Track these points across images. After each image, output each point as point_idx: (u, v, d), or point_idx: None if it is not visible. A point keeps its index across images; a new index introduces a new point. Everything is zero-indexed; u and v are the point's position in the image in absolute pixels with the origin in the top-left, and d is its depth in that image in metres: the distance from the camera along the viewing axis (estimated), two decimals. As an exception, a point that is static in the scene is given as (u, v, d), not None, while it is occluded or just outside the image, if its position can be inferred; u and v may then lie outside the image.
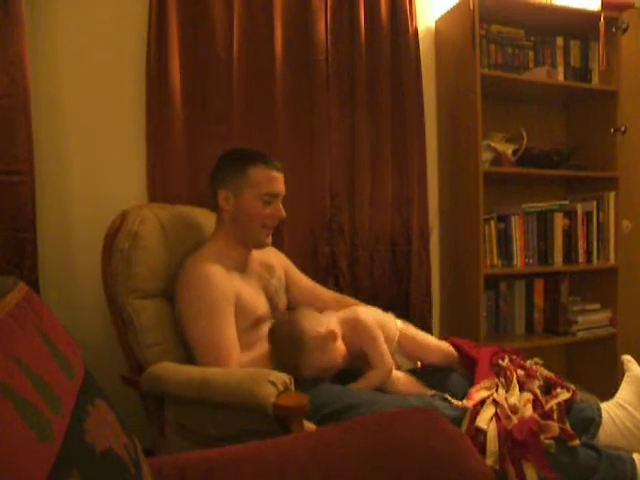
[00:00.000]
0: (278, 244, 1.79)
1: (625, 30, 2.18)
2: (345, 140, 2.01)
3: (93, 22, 1.73)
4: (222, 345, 1.30)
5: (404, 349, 1.47)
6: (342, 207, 2.00)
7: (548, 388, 1.34)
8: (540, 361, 1.46)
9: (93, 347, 1.52)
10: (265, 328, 1.43)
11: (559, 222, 2.20)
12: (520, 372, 1.35)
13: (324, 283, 1.86)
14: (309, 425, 1.13)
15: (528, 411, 1.19)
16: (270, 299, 1.52)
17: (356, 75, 2.00)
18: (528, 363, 1.43)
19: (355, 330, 1.40)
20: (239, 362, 1.31)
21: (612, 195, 2.25)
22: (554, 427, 1.13)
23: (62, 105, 1.70)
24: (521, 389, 1.29)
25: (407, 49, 2.07)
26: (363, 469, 0.83)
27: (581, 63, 2.36)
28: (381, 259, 2.06)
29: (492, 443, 1.11)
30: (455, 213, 2.19)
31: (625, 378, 1.37)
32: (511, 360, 1.41)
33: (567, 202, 2.27)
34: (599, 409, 1.29)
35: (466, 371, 1.46)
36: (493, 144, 2.14)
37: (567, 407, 1.26)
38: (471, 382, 1.36)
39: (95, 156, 1.75)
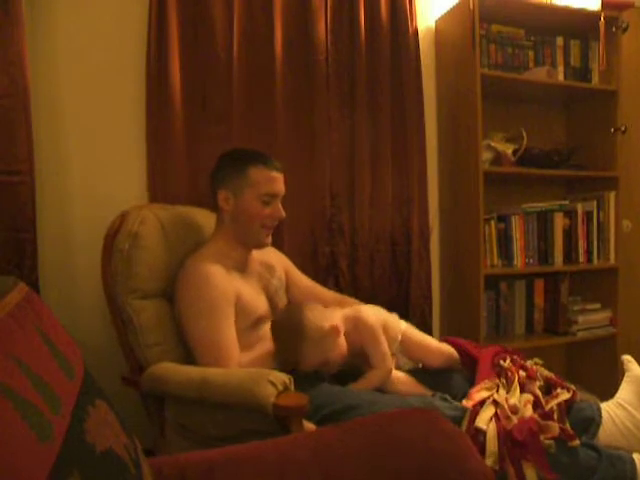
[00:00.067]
0: (278, 244, 1.79)
1: (625, 30, 2.18)
2: (345, 140, 2.01)
3: (93, 22, 1.73)
4: (222, 345, 1.30)
5: (405, 351, 1.47)
6: (342, 207, 2.00)
7: (548, 388, 1.34)
8: (540, 361, 1.46)
9: (93, 347, 1.52)
10: (265, 328, 1.43)
11: (559, 222, 2.20)
12: (522, 373, 1.35)
13: (324, 283, 1.86)
14: (309, 425, 1.13)
15: (528, 411, 1.19)
16: (270, 299, 1.52)
17: (356, 75, 2.00)
18: (528, 363, 1.43)
19: (357, 329, 1.40)
20: (239, 362, 1.31)
21: (612, 195, 2.25)
22: (554, 427, 1.13)
23: (62, 105, 1.71)
24: (522, 390, 1.29)
25: (407, 49, 2.07)
26: (363, 469, 0.83)
27: (581, 63, 2.36)
28: (381, 259, 2.06)
29: (492, 443, 1.11)
30: (455, 213, 2.19)
31: (625, 378, 1.37)
32: (512, 361, 1.41)
33: (567, 202, 2.27)
34: (599, 409, 1.29)
35: (468, 371, 1.46)
36: (493, 144, 2.14)
37: (567, 407, 1.26)
38: (472, 382, 1.36)
39: (95, 156, 1.75)
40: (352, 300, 1.69)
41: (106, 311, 1.40)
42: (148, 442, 1.26)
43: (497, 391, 1.27)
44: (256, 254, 1.53)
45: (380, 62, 2.04)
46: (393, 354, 1.44)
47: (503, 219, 2.18)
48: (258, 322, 1.42)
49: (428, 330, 2.06)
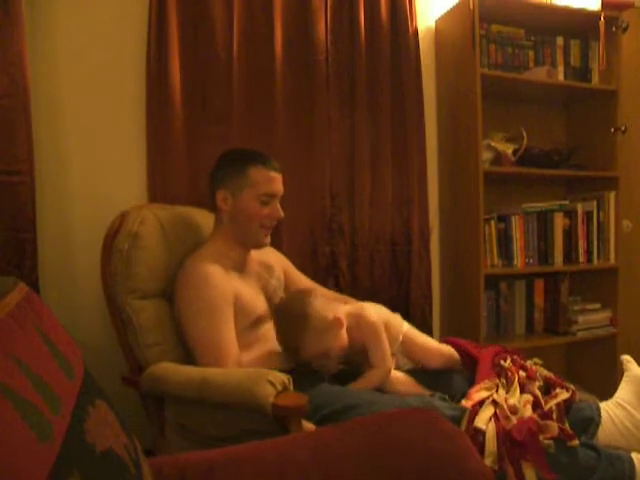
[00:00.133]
0: (278, 244, 1.79)
1: (625, 29, 2.18)
2: (345, 140, 2.01)
3: (93, 22, 1.73)
4: (222, 345, 1.30)
5: (406, 351, 1.47)
6: (342, 207, 2.00)
7: (547, 388, 1.34)
8: (540, 361, 1.46)
9: (93, 347, 1.52)
10: (264, 328, 1.43)
11: (559, 222, 2.20)
12: (522, 373, 1.35)
13: (324, 283, 1.86)
14: (308, 425, 1.13)
15: (527, 412, 1.19)
16: (269, 299, 1.52)
17: (356, 75, 2.00)
18: (528, 363, 1.43)
19: (359, 326, 1.40)
20: (239, 362, 1.31)
21: (612, 195, 2.25)
22: (553, 427, 1.13)
23: (62, 105, 1.71)
24: (522, 391, 1.29)
25: (407, 49, 2.07)
26: (363, 469, 0.83)
27: (581, 63, 2.36)
28: (381, 259, 2.06)
29: (491, 443, 1.11)
30: (455, 213, 2.19)
31: (624, 378, 1.37)
32: (513, 361, 1.41)
33: (567, 202, 2.27)
34: (598, 409, 1.29)
35: (468, 371, 1.46)
36: (493, 144, 2.14)
37: (566, 407, 1.26)
38: (472, 382, 1.36)
39: (95, 156, 1.75)
40: (352, 300, 1.69)
41: (106, 311, 1.40)
42: (148, 442, 1.26)
43: (497, 391, 1.27)
44: (255, 254, 1.53)
45: (380, 62, 2.04)
46: (393, 354, 1.44)
47: (503, 219, 2.18)
48: (257, 322, 1.42)
49: (428, 330, 2.06)
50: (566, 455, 1.11)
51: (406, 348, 1.47)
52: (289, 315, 1.34)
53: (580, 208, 2.24)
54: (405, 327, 1.50)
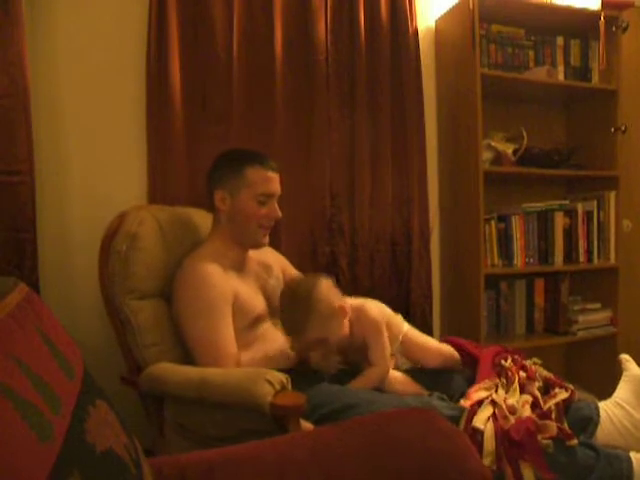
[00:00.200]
0: (277, 244, 1.80)
1: (625, 29, 2.18)
2: (345, 140, 2.01)
3: (93, 22, 1.73)
4: (221, 345, 1.30)
5: (405, 351, 1.47)
6: (342, 207, 2.00)
7: (547, 388, 1.34)
8: (539, 361, 1.46)
9: (92, 347, 1.53)
10: (263, 327, 1.43)
11: (559, 222, 2.20)
12: (522, 374, 1.35)
13: (324, 283, 1.86)
14: (306, 425, 1.13)
15: (526, 412, 1.19)
16: (268, 298, 1.52)
17: (356, 75, 2.01)
18: (527, 363, 1.43)
19: (360, 321, 1.41)
20: (237, 362, 1.31)
21: (612, 194, 2.25)
22: (552, 427, 1.13)
23: (62, 105, 1.71)
24: (522, 391, 1.29)
25: (407, 49, 2.07)
26: (363, 469, 0.83)
27: (581, 62, 2.36)
28: (381, 259, 2.06)
29: (489, 443, 1.11)
30: (455, 213, 2.19)
31: (623, 377, 1.37)
32: (514, 360, 1.41)
33: (567, 202, 2.27)
34: (597, 408, 1.29)
35: (469, 370, 1.46)
36: (493, 144, 2.14)
37: (565, 406, 1.27)
38: (471, 382, 1.36)
39: (95, 156, 1.75)
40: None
41: (105, 311, 1.40)
42: (147, 442, 1.26)
43: (496, 391, 1.27)
44: (253, 254, 1.53)
45: (380, 62, 2.04)
46: (392, 354, 1.44)
47: (503, 219, 2.18)
48: (256, 321, 1.42)
49: (428, 329, 2.06)
50: (565, 454, 1.11)
51: (405, 348, 1.48)
52: (296, 297, 1.35)
53: (580, 208, 2.24)
54: (405, 327, 1.51)
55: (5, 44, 1.47)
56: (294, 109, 1.94)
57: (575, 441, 1.12)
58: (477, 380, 1.34)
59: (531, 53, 2.30)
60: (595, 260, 2.26)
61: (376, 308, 1.46)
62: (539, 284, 2.28)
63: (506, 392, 1.28)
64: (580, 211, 2.24)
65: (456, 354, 1.49)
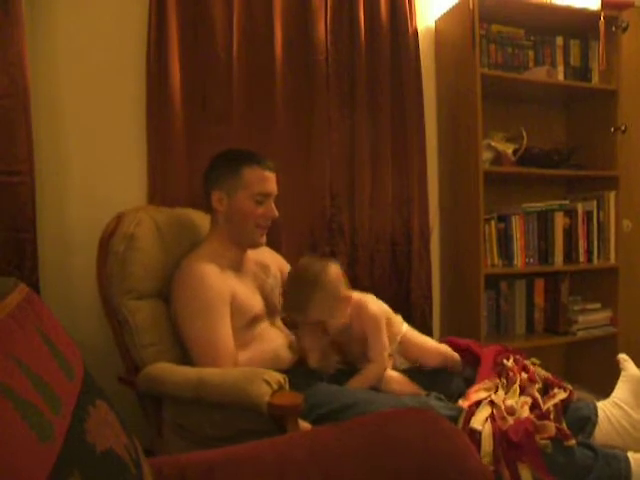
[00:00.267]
0: (277, 244, 1.80)
1: (625, 29, 2.18)
2: (345, 140, 2.01)
3: (93, 22, 1.73)
4: (219, 345, 1.30)
5: (403, 351, 1.48)
6: (342, 207, 2.00)
7: (545, 388, 1.34)
8: (537, 361, 1.46)
9: (91, 347, 1.52)
10: (261, 327, 1.43)
11: (559, 222, 2.20)
12: (524, 375, 1.34)
13: (324, 283, 1.86)
14: (304, 424, 1.13)
15: (525, 413, 1.19)
16: (265, 298, 1.52)
17: (356, 75, 2.01)
18: (527, 363, 1.43)
19: (359, 315, 1.41)
20: (235, 361, 1.31)
21: (612, 194, 2.25)
22: (551, 427, 1.13)
23: (62, 105, 1.71)
24: (522, 393, 1.28)
25: (407, 49, 2.07)
26: (362, 469, 0.83)
27: (581, 62, 2.36)
28: (381, 259, 2.06)
29: (486, 444, 1.10)
30: (455, 213, 2.19)
31: (621, 377, 1.37)
32: (515, 360, 1.41)
33: (567, 202, 2.27)
34: (595, 408, 1.30)
35: (470, 370, 1.46)
36: (493, 144, 2.14)
37: (564, 407, 1.27)
38: (472, 382, 1.36)
39: (95, 156, 1.75)
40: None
41: (103, 312, 1.40)
42: (145, 442, 1.26)
43: (496, 392, 1.27)
44: (251, 254, 1.53)
45: (380, 62, 2.04)
46: (391, 354, 1.44)
47: (503, 219, 2.18)
48: (253, 321, 1.42)
49: (428, 329, 2.06)
50: (563, 455, 1.11)
51: (404, 348, 1.48)
52: (306, 274, 1.37)
53: (580, 208, 2.24)
54: (405, 328, 1.51)
55: (5, 44, 1.47)
56: (294, 109, 1.94)
57: (573, 441, 1.13)
58: (478, 379, 1.34)
59: (531, 53, 2.30)
60: (595, 260, 2.26)
61: (376, 304, 1.47)
62: (539, 284, 2.28)
63: (506, 393, 1.28)
64: (580, 211, 2.24)
65: (455, 355, 1.49)
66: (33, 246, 1.53)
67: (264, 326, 1.45)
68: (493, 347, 1.51)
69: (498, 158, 2.13)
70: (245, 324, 1.40)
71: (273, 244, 1.67)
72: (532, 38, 2.29)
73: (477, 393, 1.25)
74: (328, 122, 1.97)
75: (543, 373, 1.39)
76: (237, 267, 1.47)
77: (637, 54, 2.21)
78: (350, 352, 1.47)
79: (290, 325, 1.62)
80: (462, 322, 2.16)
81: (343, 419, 1.09)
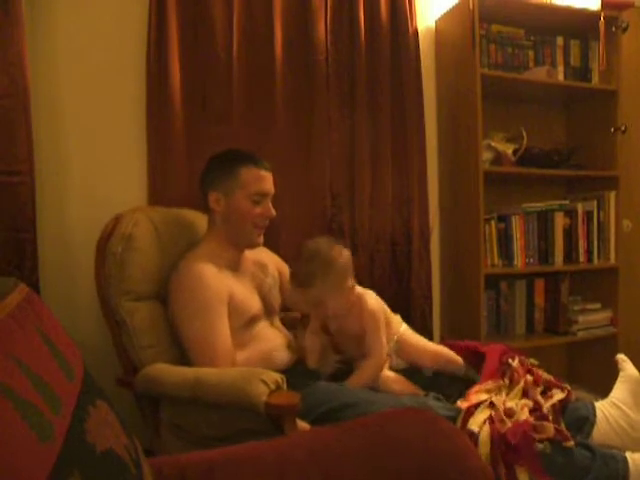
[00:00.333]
0: (277, 244, 1.80)
1: (625, 29, 2.18)
2: (345, 140, 2.01)
3: (93, 22, 1.73)
4: (217, 345, 1.30)
5: (400, 351, 1.47)
6: (342, 207, 2.00)
7: (544, 389, 1.34)
8: (536, 362, 1.46)
9: (91, 348, 1.52)
10: (259, 327, 1.43)
11: (559, 222, 2.20)
12: (528, 377, 1.34)
13: (324, 283, 1.86)
14: (302, 424, 1.13)
15: (524, 415, 1.19)
16: (263, 298, 1.52)
17: (356, 75, 2.01)
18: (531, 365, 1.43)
19: (359, 311, 1.42)
20: (233, 362, 1.31)
21: (612, 194, 2.25)
22: (549, 428, 1.13)
23: (62, 105, 1.71)
24: (524, 395, 1.28)
25: (407, 49, 2.07)
26: (363, 469, 0.83)
27: (581, 63, 2.36)
28: (381, 259, 2.06)
29: (484, 446, 1.10)
30: (455, 213, 2.19)
31: (619, 377, 1.37)
32: (521, 362, 1.41)
33: (567, 202, 2.27)
34: (593, 408, 1.29)
35: (473, 371, 1.46)
36: (493, 144, 2.14)
37: (562, 407, 1.26)
38: (474, 381, 1.36)
39: (95, 156, 1.75)
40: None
41: (101, 312, 1.40)
42: (144, 443, 1.26)
43: (497, 394, 1.26)
44: (249, 254, 1.53)
45: (380, 62, 2.04)
46: (388, 354, 1.44)
47: (503, 219, 2.18)
48: (251, 321, 1.42)
49: (428, 329, 2.06)
50: (562, 455, 1.11)
51: (401, 348, 1.47)
52: (318, 251, 1.38)
53: (580, 208, 2.24)
54: (403, 328, 1.51)
55: (5, 44, 1.47)
56: (294, 109, 1.94)
57: (572, 442, 1.12)
58: (482, 378, 1.33)
59: (531, 53, 2.30)
60: (595, 260, 2.26)
61: (375, 300, 1.47)
62: (539, 284, 2.28)
63: (507, 394, 1.27)
64: (580, 211, 2.24)
65: (457, 358, 1.48)
66: (33, 246, 1.53)
67: (262, 326, 1.45)
68: (498, 346, 1.50)
69: (498, 158, 2.13)
70: (243, 324, 1.40)
71: (273, 244, 1.67)
72: (532, 38, 2.29)
73: (477, 394, 1.25)
74: (328, 122, 1.97)
75: (545, 375, 1.39)
76: (235, 267, 1.47)
77: (637, 54, 2.21)
78: (348, 350, 1.47)
79: (289, 325, 1.62)
80: (462, 322, 2.16)
81: (344, 418, 1.09)
